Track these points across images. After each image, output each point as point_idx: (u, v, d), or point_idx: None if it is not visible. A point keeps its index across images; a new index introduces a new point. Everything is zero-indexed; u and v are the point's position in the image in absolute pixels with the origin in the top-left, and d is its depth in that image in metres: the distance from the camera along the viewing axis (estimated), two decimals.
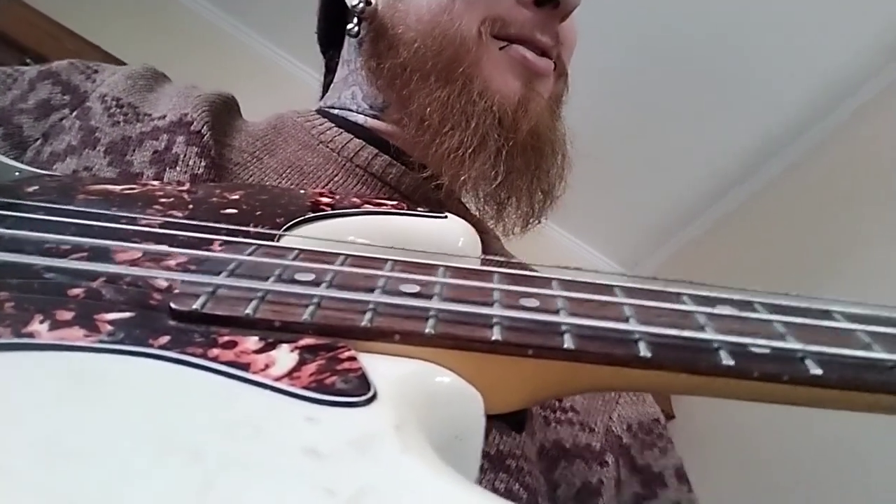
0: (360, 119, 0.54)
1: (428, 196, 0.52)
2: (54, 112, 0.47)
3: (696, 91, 1.65)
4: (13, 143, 0.45)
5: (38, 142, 0.46)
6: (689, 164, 1.84)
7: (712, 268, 1.88)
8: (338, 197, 0.38)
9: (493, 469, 0.37)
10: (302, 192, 0.39)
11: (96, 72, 0.51)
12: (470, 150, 0.46)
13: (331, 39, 0.62)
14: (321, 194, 0.38)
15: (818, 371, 0.22)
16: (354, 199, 0.38)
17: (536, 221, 0.53)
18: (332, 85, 0.60)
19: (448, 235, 0.38)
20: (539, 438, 0.42)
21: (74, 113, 0.47)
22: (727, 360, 0.22)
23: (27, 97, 0.47)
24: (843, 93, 1.58)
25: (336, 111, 0.56)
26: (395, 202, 0.39)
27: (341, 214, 0.36)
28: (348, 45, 0.57)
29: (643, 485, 0.44)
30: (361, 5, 0.51)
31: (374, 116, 0.54)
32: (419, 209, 0.39)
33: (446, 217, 0.38)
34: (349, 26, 0.52)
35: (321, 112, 0.56)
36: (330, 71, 0.62)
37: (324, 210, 0.36)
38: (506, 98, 0.48)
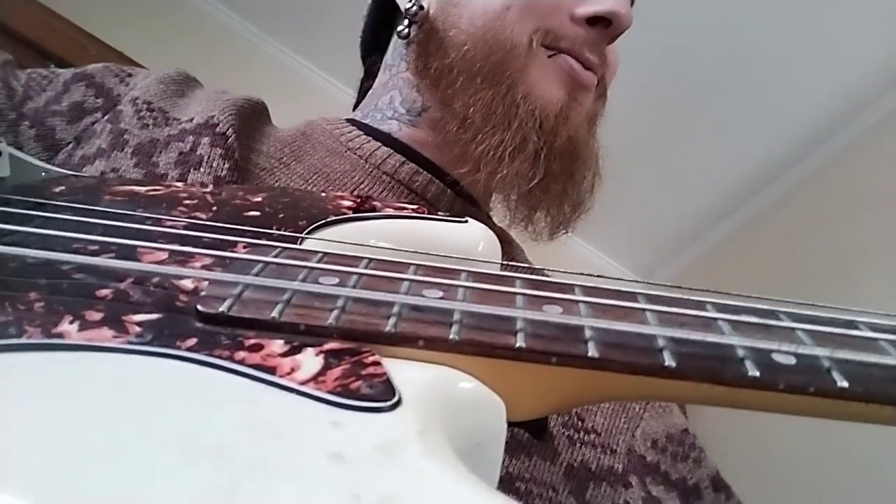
0: (394, 126, 0.55)
1: (453, 205, 0.52)
2: (87, 115, 0.48)
3: (712, 103, 1.64)
4: (45, 145, 0.46)
5: (70, 145, 0.46)
6: (704, 176, 1.83)
7: (727, 279, 1.86)
8: (359, 200, 0.38)
9: (501, 491, 0.37)
10: (323, 195, 0.39)
11: (130, 75, 0.52)
12: (510, 150, 0.47)
13: (374, 44, 0.63)
14: (342, 197, 0.39)
15: (845, 383, 0.22)
16: (375, 203, 0.38)
17: (564, 231, 0.54)
18: (371, 90, 0.61)
19: (468, 240, 0.38)
20: (566, 458, 0.41)
21: (106, 117, 0.48)
22: (753, 370, 0.22)
23: (61, 99, 0.48)
24: (860, 105, 1.56)
25: (367, 121, 0.57)
26: (415, 206, 0.39)
27: (363, 218, 0.36)
28: (393, 49, 0.58)
29: (682, 499, 0.44)
30: (415, 8, 0.52)
31: (410, 122, 0.55)
32: (440, 213, 0.39)
33: (467, 221, 0.38)
34: (399, 28, 0.53)
35: (351, 121, 0.57)
36: (369, 76, 0.63)
37: (345, 213, 0.36)
38: (549, 104, 0.49)
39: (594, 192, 0.53)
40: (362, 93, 0.64)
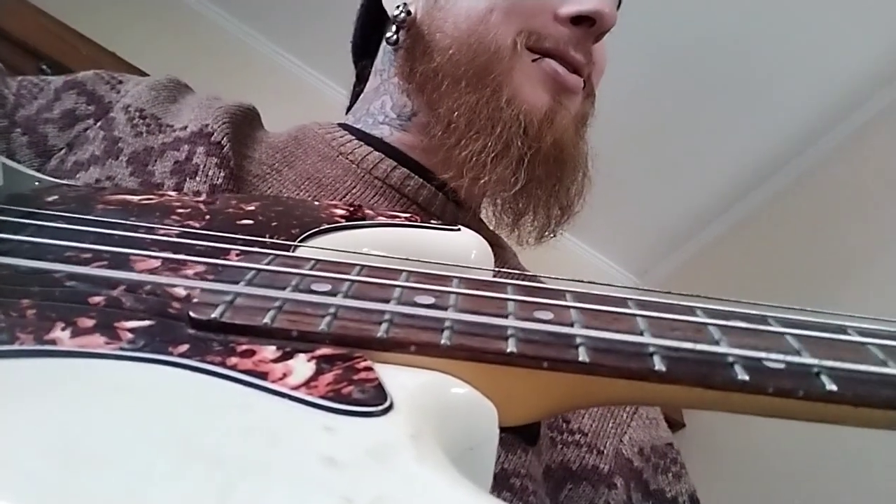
0: (386, 131, 0.55)
1: (445, 209, 0.52)
2: (79, 122, 0.48)
3: (707, 100, 1.65)
4: (37, 152, 0.46)
5: (63, 151, 0.46)
6: (699, 173, 1.84)
7: (722, 277, 1.87)
8: (352, 209, 0.38)
9: (496, 487, 0.37)
10: (317, 203, 0.39)
11: (121, 82, 0.52)
12: (493, 155, 0.47)
13: (365, 49, 0.63)
14: (335, 206, 0.39)
15: (833, 387, 0.22)
16: (368, 211, 0.39)
17: (552, 235, 0.54)
18: (362, 95, 0.61)
19: (461, 248, 0.38)
20: (545, 459, 0.42)
21: (98, 123, 0.48)
22: (742, 374, 0.22)
23: (52, 106, 0.48)
24: (856, 102, 1.57)
25: (359, 126, 0.57)
26: (408, 214, 0.39)
27: (355, 226, 0.37)
28: (383, 54, 0.59)
29: None
30: (402, 14, 0.52)
31: (400, 126, 0.55)
32: (433, 221, 0.39)
33: (459, 230, 0.39)
34: (388, 34, 0.53)
35: (343, 126, 0.57)
36: (361, 81, 0.64)
37: (338, 221, 0.36)
38: (533, 108, 0.49)
39: (583, 194, 0.53)
40: (354, 97, 0.64)
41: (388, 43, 0.54)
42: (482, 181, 0.47)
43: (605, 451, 0.44)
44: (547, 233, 0.54)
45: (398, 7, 0.53)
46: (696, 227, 2.01)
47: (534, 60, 0.50)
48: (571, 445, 0.43)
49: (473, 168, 0.48)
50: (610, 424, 0.46)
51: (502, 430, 0.23)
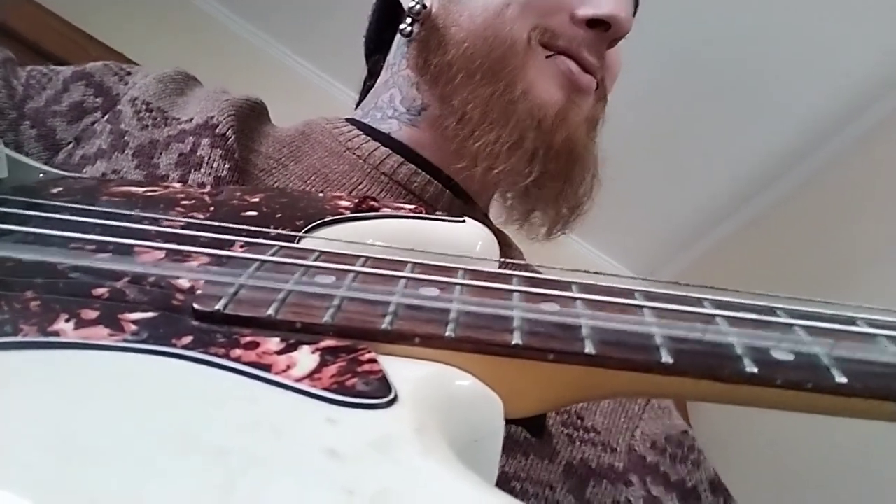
0: (394, 125, 0.55)
1: (452, 206, 0.52)
2: (87, 115, 0.48)
3: (714, 102, 1.64)
4: (46, 145, 0.46)
5: (71, 145, 0.46)
6: (705, 176, 1.83)
7: (727, 280, 1.85)
8: (356, 200, 0.38)
9: None
10: (321, 195, 0.39)
11: (129, 74, 0.52)
12: (507, 146, 0.47)
13: (378, 44, 0.63)
14: (340, 198, 0.39)
15: (843, 379, 0.22)
16: (373, 203, 0.38)
17: (561, 232, 0.54)
18: (372, 89, 0.61)
19: (466, 239, 0.38)
20: (565, 457, 0.41)
21: (106, 116, 0.48)
22: (750, 367, 0.22)
23: (61, 98, 0.48)
24: (864, 104, 1.56)
25: (367, 121, 0.57)
26: (413, 206, 0.39)
27: (360, 217, 0.36)
28: (396, 48, 0.59)
29: (681, 500, 0.44)
30: (418, 7, 0.52)
31: (409, 121, 0.55)
32: (437, 213, 0.39)
33: (464, 221, 0.38)
34: (402, 26, 0.53)
35: (351, 121, 0.57)
36: (372, 76, 0.64)
37: (342, 213, 0.36)
38: (547, 104, 0.49)
39: (593, 194, 0.53)
40: (364, 92, 0.64)
41: (402, 35, 0.54)
42: (496, 171, 0.47)
43: (618, 449, 0.44)
44: (557, 229, 0.54)
45: (414, 0, 0.53)
46: (703, 229, 2.00)
47: (548, 57, 0.50)
48: (588, 444, 0.43)
49: (487, 158, 0.48)
50: (622, 419, 0.46)
51: (508, 422, 0.23)
